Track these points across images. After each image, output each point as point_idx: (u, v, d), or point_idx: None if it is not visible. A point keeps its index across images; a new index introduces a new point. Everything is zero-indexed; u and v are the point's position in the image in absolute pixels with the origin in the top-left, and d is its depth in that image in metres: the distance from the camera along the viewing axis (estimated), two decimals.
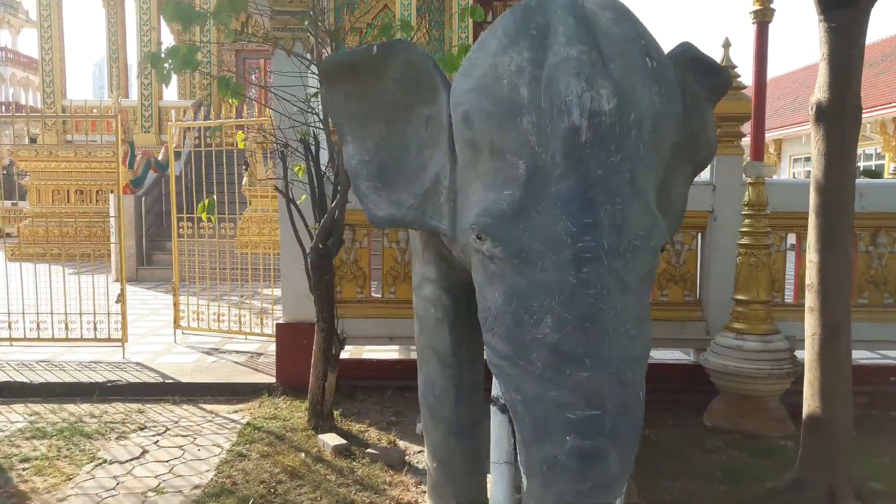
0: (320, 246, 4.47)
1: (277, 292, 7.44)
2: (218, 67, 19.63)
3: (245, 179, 13.00)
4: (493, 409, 2.23)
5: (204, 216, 4.33)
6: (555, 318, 1.95)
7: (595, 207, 2.00)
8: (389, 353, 6.35)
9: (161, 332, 7.53)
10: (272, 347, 6.75)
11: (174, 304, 7.08)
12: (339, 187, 4.53)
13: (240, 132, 4.77)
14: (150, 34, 19.03)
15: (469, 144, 2.29)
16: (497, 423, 2.21)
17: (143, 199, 13.41)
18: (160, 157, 15.10)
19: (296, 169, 5.01)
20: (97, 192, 17.62)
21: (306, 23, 4.50)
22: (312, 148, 4.62)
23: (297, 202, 4.67)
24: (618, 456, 1.89)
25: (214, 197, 4.39)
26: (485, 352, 2.20)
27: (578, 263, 1.96)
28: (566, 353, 1.92)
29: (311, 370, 4.69)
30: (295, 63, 5.42)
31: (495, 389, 2.23)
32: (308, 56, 5.59)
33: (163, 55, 4.03)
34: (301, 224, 4.69)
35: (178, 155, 16.23)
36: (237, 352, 6.64)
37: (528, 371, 1.98)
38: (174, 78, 22.54)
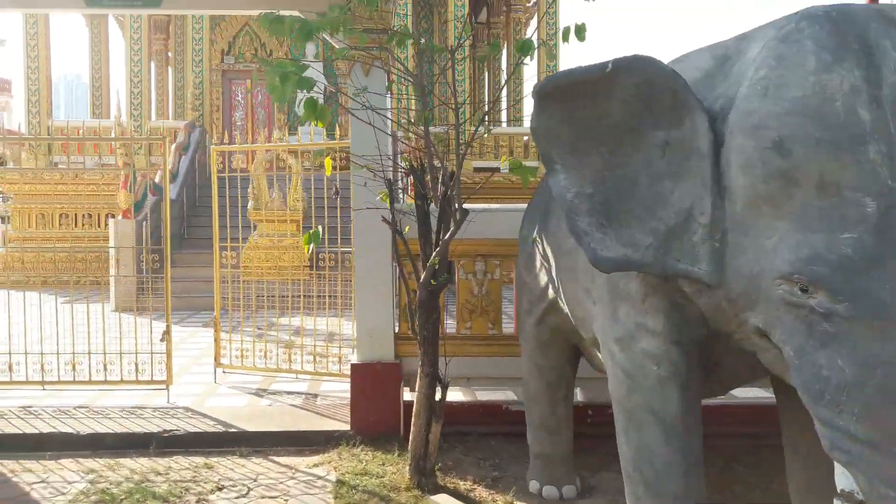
0: (431, 282, 4.02)
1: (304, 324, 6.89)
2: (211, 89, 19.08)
3: (251, 203, 12.48)
4: None
5: (307, 248, 3.85)
6: None
7: None
8: (453, 393, 5.86)
9: (194, 371, 6.95)
10: (325, 386, 6.26)
11: (215, 340, 6.52)
12: (446, 217, 4.11)
13: (328, 157, 4.33)
14: (140, 53, 18.45)
15: (778, 176, 1.90)
16: None
17: (144, 223, 12.76)
18: (157, 180, 14.46)
19: (380, 196, 4.59)
20: (84, 215, 16.95)
21: (410, 40, 4.07)
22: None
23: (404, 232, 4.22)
24: None
25: (318, 229, 3.89)
26: (821, 434, 1.78)
27: None
28: None
29: (413, 419, 4.20)
30: (376, 82, 5.03)
31: (842, 480, 1.80)
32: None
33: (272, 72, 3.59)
34: (399, 255, 4.25)
35: (172, 177, 15.66)
36: (288, 392, 6.11)
37: None
38: (153, 96, 21.73)
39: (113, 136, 15.37)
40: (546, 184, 3.82)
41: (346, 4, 4.11)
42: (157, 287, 12.54)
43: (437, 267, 3.99)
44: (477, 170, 15.08)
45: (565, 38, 3.79)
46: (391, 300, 5.23)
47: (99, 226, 16.93)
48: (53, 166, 17.60)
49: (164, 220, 6.14)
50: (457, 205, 3.96)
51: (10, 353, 5.82)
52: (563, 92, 2.41)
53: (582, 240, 2.39)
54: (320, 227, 3.90)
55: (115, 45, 22.13)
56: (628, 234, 2.31)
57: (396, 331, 5.38)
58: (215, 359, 6.52)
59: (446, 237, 3.98)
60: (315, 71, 20.03)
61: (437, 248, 4.00)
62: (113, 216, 16.78)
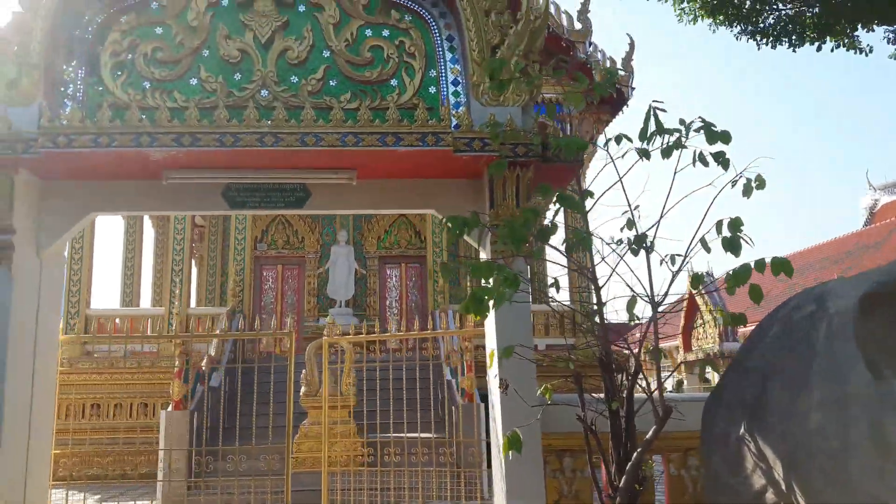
0: (637, 487, 3.70)
1: None
2: (252, 273, 19.38)
3: (303, 389, 12.20)
4: None
5: (505, 452, 3.59)
6: None
7: None
8: None
9: None
10: None
11: None
12: (632, 413, 3.88)
13: (492, 351, 4.18)
14: (182, 243, 18.93)
15: None
16: None
17: (195, 414, 12.32)
18: (204, 369, 14.20)
19: (543, 391, 4.39)
20: (116, 405, 16.48)
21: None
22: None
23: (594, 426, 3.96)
24: None
25: (517, 431, 3.63)
26: None
27: None
28: None
29: None
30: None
31: None
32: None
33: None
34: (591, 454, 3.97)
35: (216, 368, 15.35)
36: None
37: None
38: (163, 272, 21.84)
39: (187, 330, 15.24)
40: (741, 375, 3.64)
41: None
42: (206, 484, 11.86)
43: (630, 469, 3.69)
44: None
45: (721, 231, 3.65)
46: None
47: (130, 416, 16.44)
48: (87, 356, 17.36)
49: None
50: (658, 399, 3.75)
51: None
52: (893, 295, 2.33)
53: None
54: (518, 431, 3.62)
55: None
56: None
57: None
58: None
59: (649, 436, 3.72)
60: (344, 250, 20.28)
61: (641, 448, 3.73)
62: (146, 405, 16.42)
